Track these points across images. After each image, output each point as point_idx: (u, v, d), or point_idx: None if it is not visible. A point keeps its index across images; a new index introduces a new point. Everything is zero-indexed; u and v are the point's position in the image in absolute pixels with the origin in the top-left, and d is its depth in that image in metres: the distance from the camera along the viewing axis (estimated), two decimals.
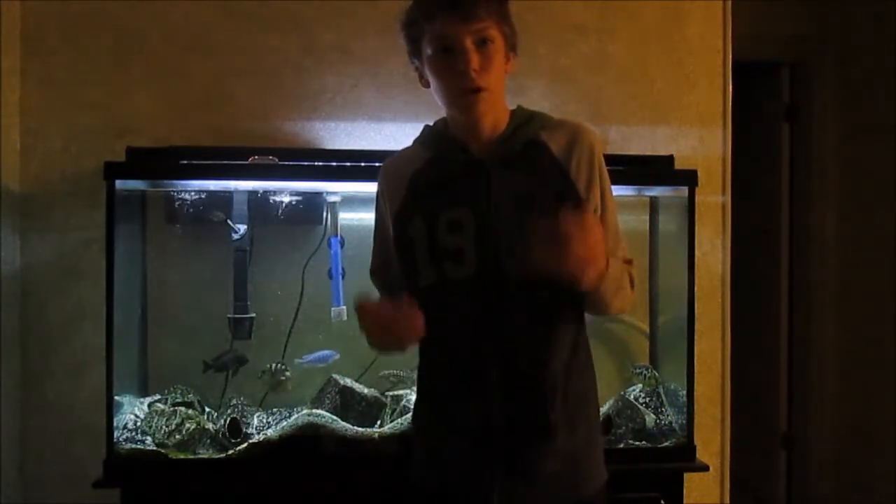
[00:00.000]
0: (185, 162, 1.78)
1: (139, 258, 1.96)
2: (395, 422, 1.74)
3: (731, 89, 2.17)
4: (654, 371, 1.94)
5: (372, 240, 1.41)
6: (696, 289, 1.81)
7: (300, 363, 1.88)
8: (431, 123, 1.36)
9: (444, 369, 1.27)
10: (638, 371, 1.95)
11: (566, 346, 1.24)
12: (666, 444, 1.79)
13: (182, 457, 1.66)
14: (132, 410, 1.76)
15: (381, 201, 1.36)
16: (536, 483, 1.21)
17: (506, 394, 1.21)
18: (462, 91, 1.20)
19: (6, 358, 1.88)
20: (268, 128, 2.02)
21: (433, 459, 1.29)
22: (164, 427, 1.69)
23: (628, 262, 1.29)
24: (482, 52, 1.19)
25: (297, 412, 1.78)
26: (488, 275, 1.21)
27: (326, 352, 1.88)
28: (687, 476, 1.79)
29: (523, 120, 1.29)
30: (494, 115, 1.26)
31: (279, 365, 1.84)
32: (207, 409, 1.85)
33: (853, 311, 3.05)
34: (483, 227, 1.21)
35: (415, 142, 1.36)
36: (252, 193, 1.89)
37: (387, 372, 1.89)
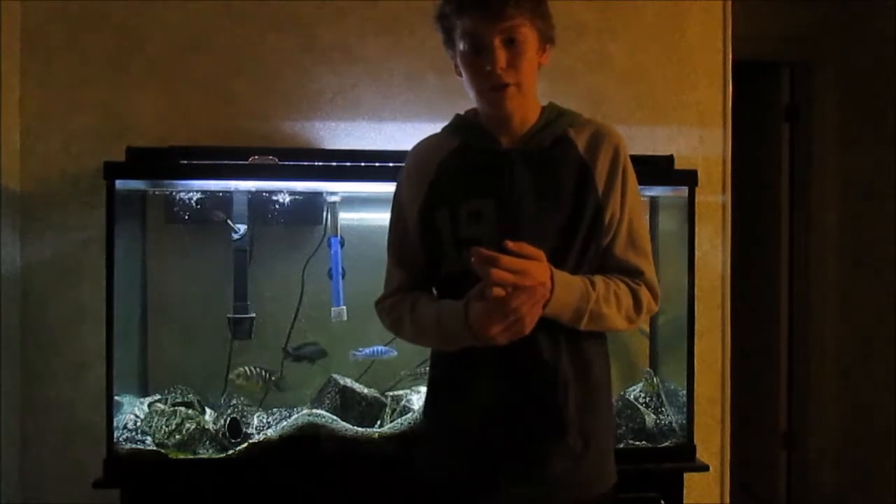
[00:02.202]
0: (185, 162, 1.78)
1: (139, 258, 1.96)
2: (395, 422, 1.74)
3: (731, 89, 2.17)
4: (655, 377, 1.95)
5: (388, 224, 1.38)
6: (696, 289, 1.81)
7: (355, 356, 1.87)
8: (462, 112, 1.36)
9: (457, 362, 1.26)
10: (646, 375, 1.96)
11: (581, 344, 1.24)
12: (666, 444, 1.79)
13: (182, 457, 1.66)
14: (132, 410, 1.76)
15: (404, 184, 1.35)
16: (546, 481, 1.21)
17: (518, 389, 1.21)
18: (489, 87, 1.22)
19: (6, 358, 1.88)
20: (268, 128, 2.02)
21: (443, 453, 1.29)
22: (164, 427, 1.70)
23: (638, 274, 1.27)
24: (511, 50, 1.20)
25: (297, 412, 1.78)
26: None
27: (381, 347, 1.87)
28: (687, 476, 1.79)
29: (553, 116, 1.30)
30: (524, 109, 1.27)
31: (259, 369, 1.84)
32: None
33: (853, 311, 3.05)
34: (504, 218, 1.22)
35: (444, 129, 1.37)
36: (252, 193, 1.89)
37: (405, 371, 1.89)
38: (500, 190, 1.23)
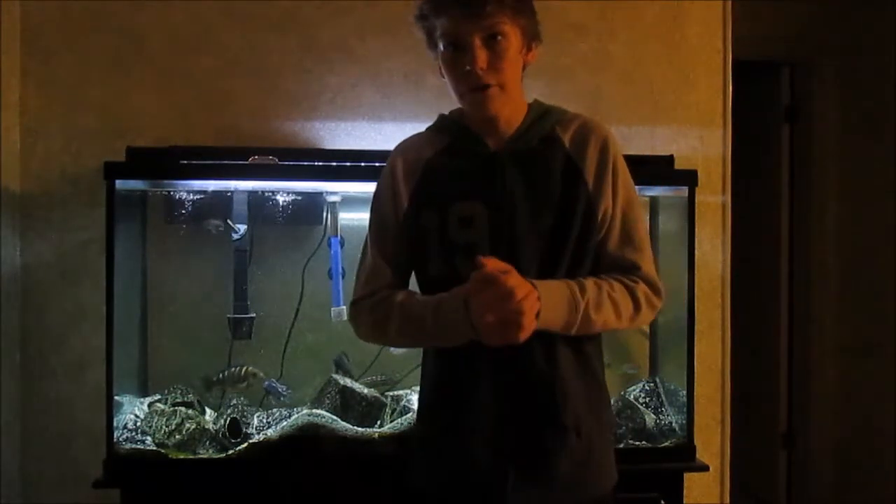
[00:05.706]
0: (185, 162, 1.78)
1: (139, 258, 1.96)
2: (395, 422, 1.74)
3: (731, 89, 2.18)
4: (655, 378, 1.96)
5: (368, 218, 1.33)
6: (696, 289, 1.81)
7: None
8: (447, 112, 1.34)
9: (453, 369, 1.24)
10: (630, 370, 1.96)
11: (577, 347, 1.23)
12: (666, 444, 1.79)
13: (182, 457, 1.66)
14: (132, 410, 1.75)
15: (388, 182, 1.30)
16: (547, 483, 1.20)
17: (516, 393, 1.20)
18: (470, 88, 1.19)
19: (6, 358, 1.88)
20: (268, 128, 2.02)
21: (441, 462, 1.26)
22: (164, 427, 1.70)
23: (634, 269, 1.24)
24: (492, 49, 1.17)
25: (297, 412, 1.78)
26: None
27: None
28: (687, 476, 1.79)
29: (539, 114, 1.28)
30: (509, 109, 1.24)
31: (246, 369, 1.84)
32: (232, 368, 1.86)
33: (853, 311, 3.05)
34: (496, 222, 1.20)
35: (428, 129, 1.34)
36: (252, 193, 1.89)
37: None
38: (490, 194, 1.21)
